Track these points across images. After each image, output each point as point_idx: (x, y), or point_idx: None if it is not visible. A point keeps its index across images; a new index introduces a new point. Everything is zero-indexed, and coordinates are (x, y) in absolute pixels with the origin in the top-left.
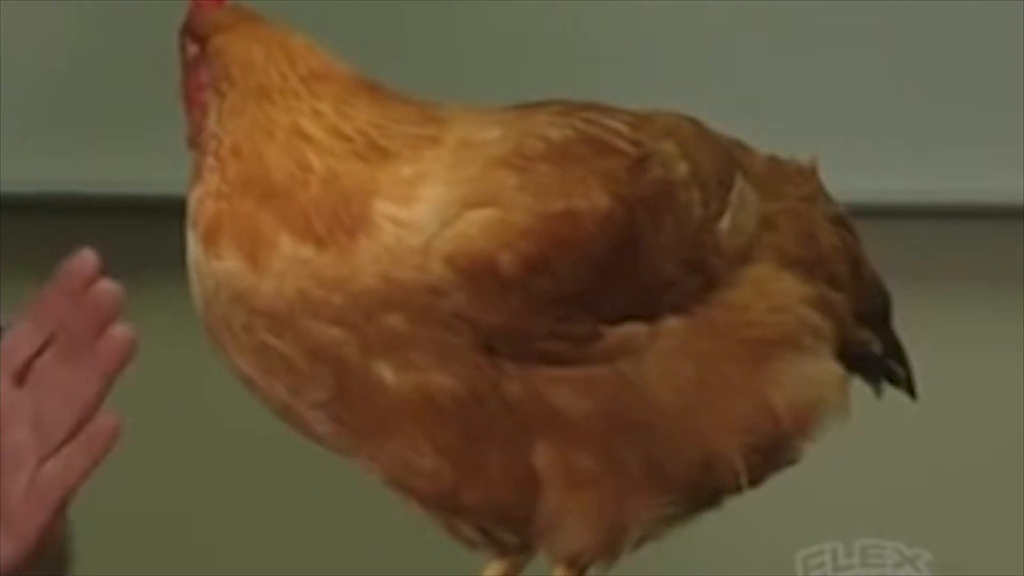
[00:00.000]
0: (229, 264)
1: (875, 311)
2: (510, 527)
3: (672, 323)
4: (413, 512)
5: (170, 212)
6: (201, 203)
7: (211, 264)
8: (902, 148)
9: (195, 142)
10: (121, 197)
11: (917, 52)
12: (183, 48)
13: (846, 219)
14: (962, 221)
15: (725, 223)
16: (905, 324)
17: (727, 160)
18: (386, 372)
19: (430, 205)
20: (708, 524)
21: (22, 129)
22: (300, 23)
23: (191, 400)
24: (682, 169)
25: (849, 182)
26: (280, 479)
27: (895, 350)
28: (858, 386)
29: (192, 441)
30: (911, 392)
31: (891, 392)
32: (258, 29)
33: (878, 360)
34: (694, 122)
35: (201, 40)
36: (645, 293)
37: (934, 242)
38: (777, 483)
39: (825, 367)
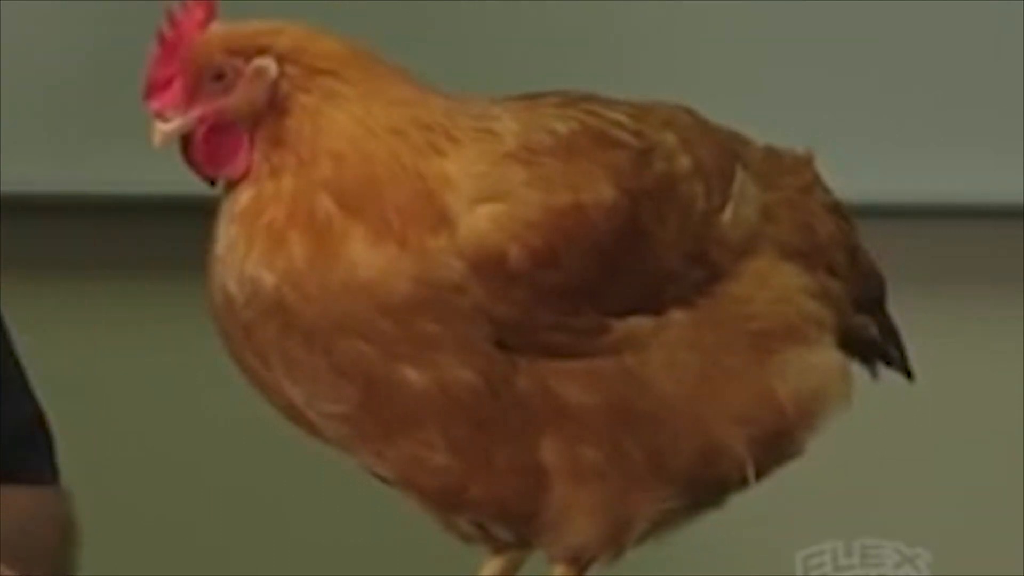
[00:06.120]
0: (275, 278)
1: (872, 297)
2: (511, 523)
3: (676, 316)
4: (410, 507)
5: (170, 212)
6: (269, 201)
7: (257, 271)
8: (902, 148)
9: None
10: (121, 197)
11: (917, 52)
12: (219, 76)
13: (842, 208)
14: (962, 221)
15: (727, 215)
16: (905, 324)
17: (727, 152)
18: (411, 373)
19: (449, 201)
20: (708, 524)
21: (22, 129)
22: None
23: (190, 399)
24: (685, 162)
25: (849, 182)
26: (279, 479)
27: (891, 334)
28: (859, 387)
29: (191, 440)
30: (907, 374)
31: (891, 392)
32: (311, 29)
33: (875, 344)
34: (691, 113)
35: (260, 51)
36: (650, 286)
37: (934, 242)
38: (777, 483)
39: (828, 357)
